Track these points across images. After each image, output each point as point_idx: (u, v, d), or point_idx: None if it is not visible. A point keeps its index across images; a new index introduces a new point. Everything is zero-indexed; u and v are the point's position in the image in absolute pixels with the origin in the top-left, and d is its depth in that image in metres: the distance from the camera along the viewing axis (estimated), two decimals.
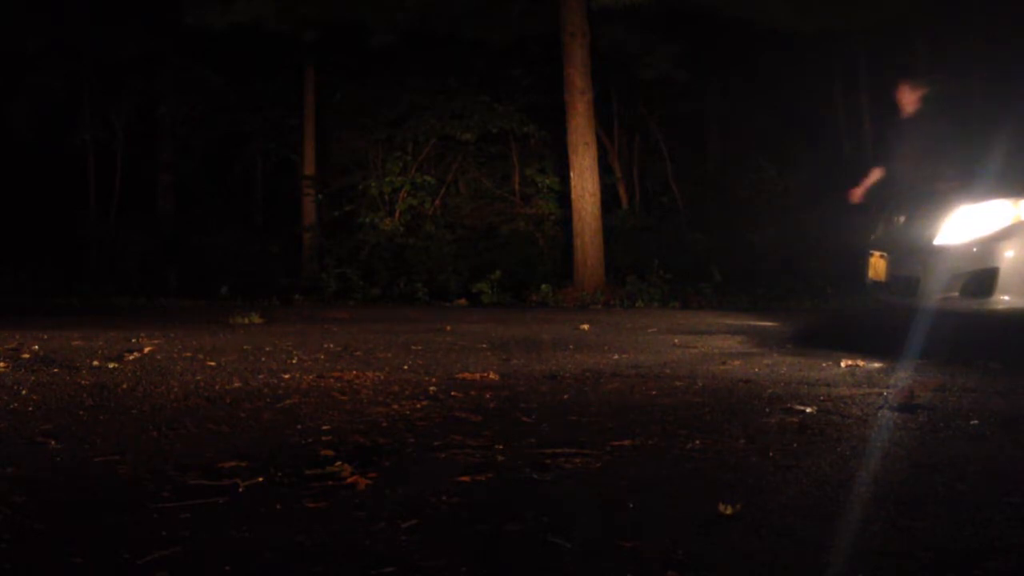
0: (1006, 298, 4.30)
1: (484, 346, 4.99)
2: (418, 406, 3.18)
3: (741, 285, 9.24)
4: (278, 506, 2.02)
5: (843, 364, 4.16)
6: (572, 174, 9.33)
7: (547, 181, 11.05)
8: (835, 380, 3.72)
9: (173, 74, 12.03)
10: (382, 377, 3.82)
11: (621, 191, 11.69)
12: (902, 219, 5.13)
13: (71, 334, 5.38)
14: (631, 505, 2.03)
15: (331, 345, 4.98)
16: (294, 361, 4.35)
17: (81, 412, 3.05)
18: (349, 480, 2.20)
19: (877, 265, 5.08)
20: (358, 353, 4.67)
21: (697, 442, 2.62)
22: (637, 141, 12.13)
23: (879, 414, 3.02)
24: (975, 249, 4.40)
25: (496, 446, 2.56)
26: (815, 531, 1.86)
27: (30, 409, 3.10)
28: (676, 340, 5.20)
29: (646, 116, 11.79)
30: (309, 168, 11.63)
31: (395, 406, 3.17)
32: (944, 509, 2.01)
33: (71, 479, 2.24)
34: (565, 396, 3.38)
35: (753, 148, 11.18)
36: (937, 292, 4.46)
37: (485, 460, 2.41)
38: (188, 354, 4.57)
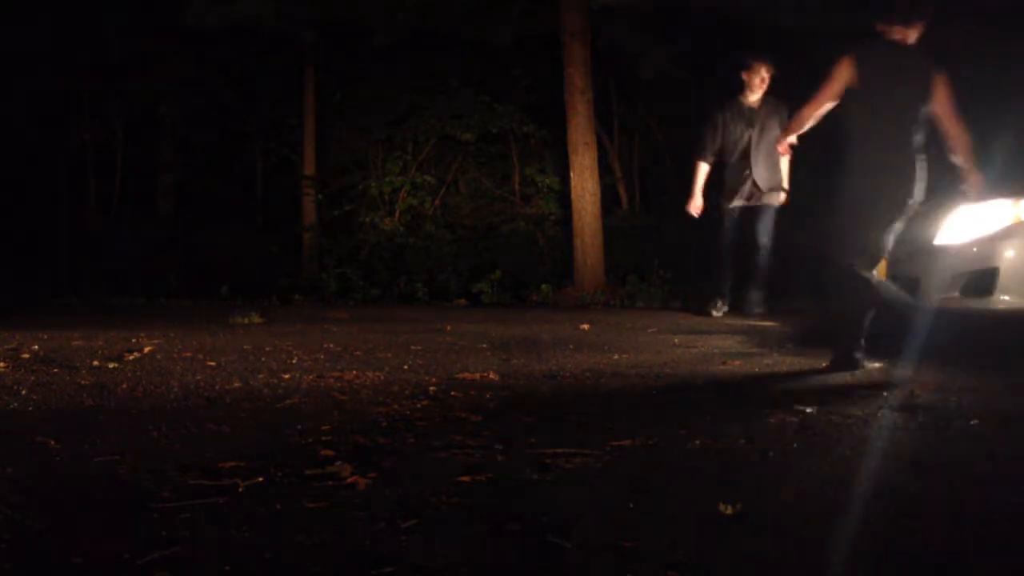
0: (1006, 298, 4.30)
1: (484, 346, 4.99)
2: (418, 406, 3.18)
3: (742, 285, 9.23)
4: (278, 506, 2.02)
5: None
6: (572, 174, 9.33)
7: (547, 181, 11.04)
8: (835, 380, 3.72)
9: (173, 74, 12.02)
10: (382, 377, 3.82)
11: (621, 191, 11.68)
12: None
13: (71, 334, 5.38)
14: (631, 505, 2.03)
15: (331, 345, 4.97)
16: (294, 361, 4.35)
17: (81, 412, 3.05)
18: (349, 480, 2.20)
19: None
20: (358, 353, 4.67)
21: (697, 442, 2.62)
22: (637, 141, 12.13)
23: (879, 414, 3.02)
24: (975, 249, 4.41)
25: (496, 446, 2.56)
26: (815, 531, 1.86)
27: (30, 409, 3.10)
28: (676, 340, 5.20)
29: (646, 116, 11.79)
30: (309, 168, 11.63)
31: (395, 406, 3.17)
32: (944, 509, 2.01)
33: (71, 479, 2.24)
34: (565, 396, 3.38)
35: None
36: (937, 292, 4.46)
37: (485, 460, 2.41)
38: (188, 354, 4.57)
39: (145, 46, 11.25)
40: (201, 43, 10.81)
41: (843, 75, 3.99)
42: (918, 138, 3.99)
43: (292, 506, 2.02)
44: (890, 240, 4.02)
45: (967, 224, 4.47)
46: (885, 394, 3.36)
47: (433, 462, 2.41)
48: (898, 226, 4.02)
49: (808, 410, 3.07)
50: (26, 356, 4.46)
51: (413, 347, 4.91)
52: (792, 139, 4.43)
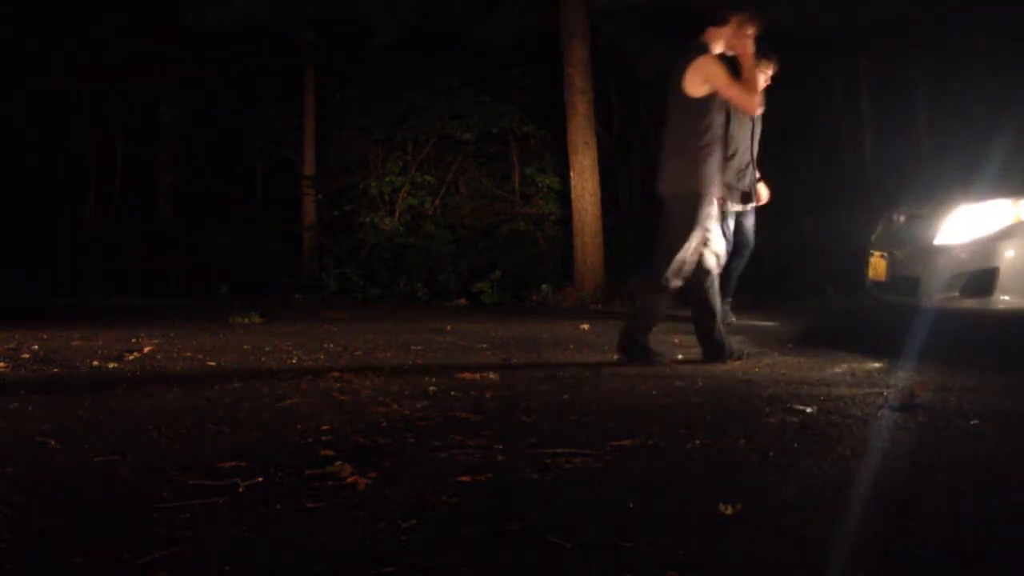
0: (1006, 298, 4.30)
1: (484, 346, 4.99)
2: (418, 406, 3.18)
3: (742, 285, 9.23)
4: (278, 506, 2.02)
5: (843, 364, 4.16)
6: (572, 174, 9.33)
7: (547, 181, 11.04)
8: (835, 380, 3.72)
9: (173, 74, 12.02)
10: (382, 377, 3.82)
11: (621, 191, 11.69)
12: (902, 219, 5.13)
13: (71, 334, 5.38)
14: (631, 505, 2.03)
15: (331, 345, 4.97)
16: (294, 361, 4.35)
17: (81, 412, 3.05)
18: (349, 480, 2.20)
19: (877, 265, 5.08)
20: (358, 353, 4.67)
21: (697, 442, 2.62)
22: (637, 141, 12.14)
23: (879, 414, 3.02)
24: (975, 249, 4.41)
25: (496, 446, 2.56)
26: (815, 531, 1.86)
27: (30, 409, 3.10)
28: (676, 340, 5.20)
29: (646, 116, 11.80)
30: (309, 168, 11.63)
31: (395, 406, 3.17)
32: (944, 509, 2.01)
33: (71, 479, 2.24)
34: (565, 396, 3.38)
35: None
36: (937, 292, 4.46)
37: (485, 460, 2.41)
38: (188, 354, 4.57)
39: (145, 46, 11.25)
40: (201, 43, 10.81)
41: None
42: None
43: (292, 506, 2.02)
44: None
45: (967, 224, 4.47)
46: (885, 394, 3.36)
47: (433, 462, 2.41)
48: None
49: (808, 410, 3.07)
50: (26, 356, 4.46)
51: (413, 347, 4.91)
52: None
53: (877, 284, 5.10)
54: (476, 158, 11.48)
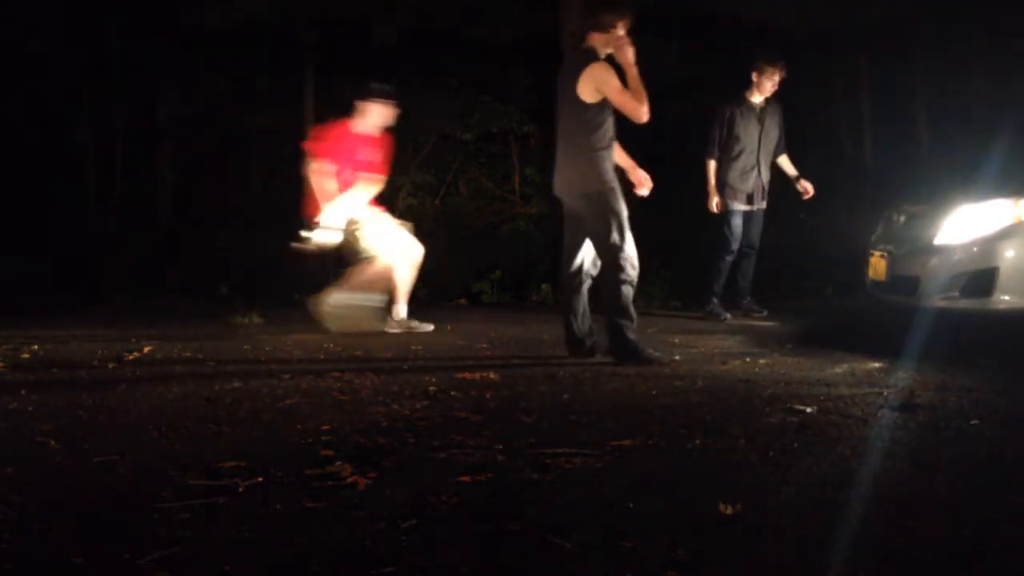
0: (1006, 298, 4.30)
1: (484, 346, 4.99)
2: (418, 406, 3.18)
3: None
4: (278, 506, 2.02)
5: (843, 364, 4.16)
6: None
7: (547, 181, 11.02)
8: (835, 380, 3.71)
9: (173, 74, 12.01)
10: (382, 377, 3.82)
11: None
12: (902, 219, 5.13)
13: (71, 334, 5.38)
14: (631, 505, 2.03)
15: (331, 345, 4.97)
16: (294, 361, 4.35)
17: (81, 412, 3.05)
18: (349, 480, 2.20)
19: (877, 265, 5.08)
20: (358, 353, 4.67)
21: (697, 442, 2.62)
22: (637, 141, 12.13)
23: (879, 414, 3.02)
24: (975, 249, 4.41)
25: (496, 446, 2.56)
26: (815, 531, 1.86)
27: (30, 409, 3.10)
28: (676, 340, 5.20)
29: None
30: None
31: (395, 406, 3.17)
32: (944, 509, 2.01)
33: (71, 479, 2.24)
34: (565, 396, 3.38)
35: None
36: (937, 292, 4.46)
37: (485, 460, 2.41)
38: (188, 354, 4.57)
39: (145, 46, 11.24)
40: (200, 42, 10.80)
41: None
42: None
43: (292, 506, 2.02)
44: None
45: (967, 224, 4.47)
46: (885, 394, 3.36)
47: (433, 462, 2.41)
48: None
49: (808, 410, 3.07)
50: (26, 356, 4.46)
51: (413, 347, 4.91)
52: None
53: (877, 284, 5.10)
54: (476, 158, 11.47)
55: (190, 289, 9.51)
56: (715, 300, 6.53)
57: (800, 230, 8.77)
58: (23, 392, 3.41)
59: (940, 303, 4.46)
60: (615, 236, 4.19)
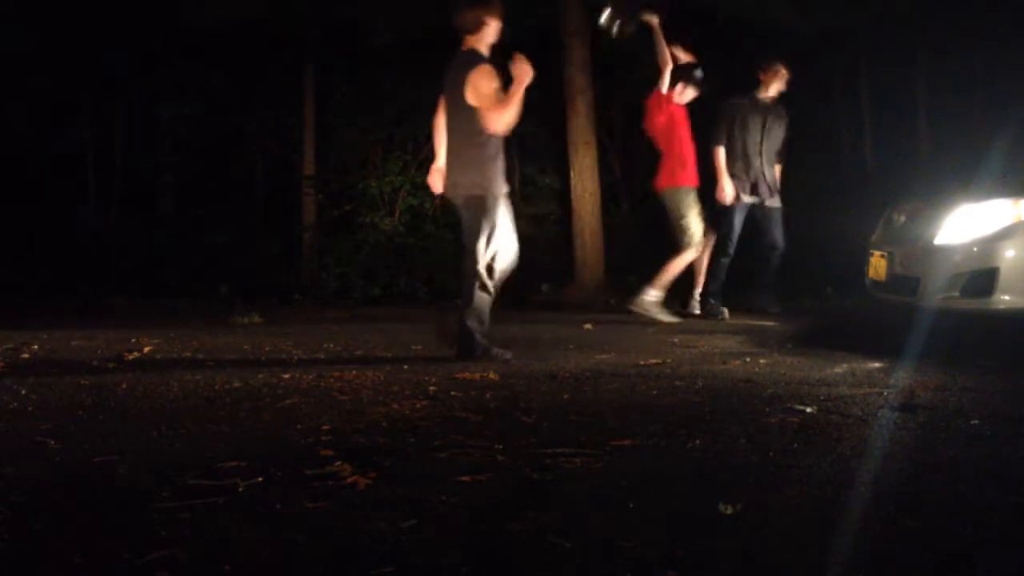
0: (1006, 298, 4.30)
1: None
2: (418, 406, 3.18)
3: (741, 284, 9.23)
4: (278, 506, 2.02)
5: (843, 364, 4.16)
6: (572, 174, 9.32)
7: (547, 181, 11.03)
8: (835, 380, 3.71)
9: (173, 74, 12.01)
10: (382, 377, 3.82)
11: (621, 191, 11.68)
12: (902, 219, 5.13)
13: (71, 334, 5.38)
14: (631, 505, 2.03)
15: (331, 345, 4.97)
16: (294, 361, 4.35)
17: (81, 412, 3.05)
18: (349, 480, 2.20)
19: (877, 265, 5.08)
20: (358, 353, 4.67)
21: (697, 442, 2.62)
22: (637, 140, 12.13)
23: (879, 414, 3.02)
24: (975, 249, 4.41)
25: (496, 446, 2.56)
26: (815, 531, 1.86)
27: (30, 409, 3.10)
28: (676, 340, 5.20)
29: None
30: (309, 168, 11.61)
31: (395, 406, 3.17)
32: (944, 509, 2.01)
33: (71, 479, 2.24)
34: (565, 396, 3.38)
35: None
36: (937, 292, 4.46)
37: (485, 460, 2.41)
38: (188, 354, 4.57)
39: (145, 46, 11.24)
40: (200, 42, 10.80)
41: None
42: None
43: (292, 506, 2.02)
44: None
45: (967, 224, 4.47)
46: (885, 394, 3.36)
47: (433, 462, 2.41)
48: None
49: (808, 410, 3.07)
50: (26, 356, 4.46)
51: (413, 347, 4.91)
52: None
53: (877, 284, 5.10)
54: None
55: (190, 289, 9.50)
56: (712, 300, 6.57)
57: (792, 230, 8.79)
58: (23, 392, 3.41)
59: (940, 303, 4.46)
60: (481, 245, 4.24)
